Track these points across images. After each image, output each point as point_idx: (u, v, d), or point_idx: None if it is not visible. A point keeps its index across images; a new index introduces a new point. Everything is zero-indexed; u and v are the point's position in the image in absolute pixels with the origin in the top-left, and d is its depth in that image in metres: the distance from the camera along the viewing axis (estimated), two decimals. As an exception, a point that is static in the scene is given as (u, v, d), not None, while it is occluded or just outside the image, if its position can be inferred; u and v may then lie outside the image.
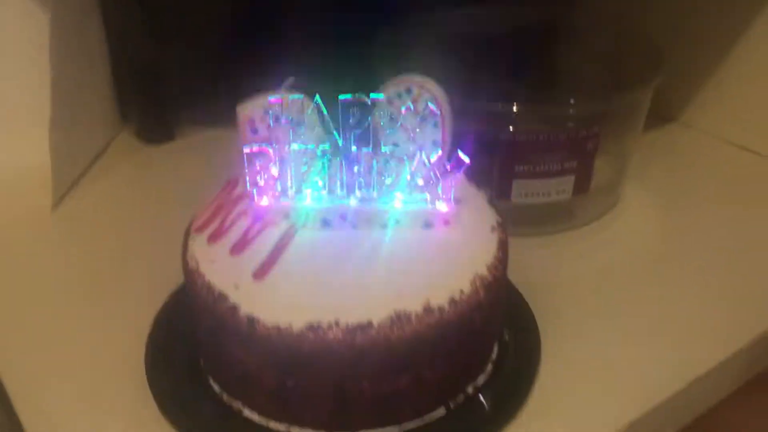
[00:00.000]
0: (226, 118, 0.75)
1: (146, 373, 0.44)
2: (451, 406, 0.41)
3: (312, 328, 0.36)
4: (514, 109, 0.51)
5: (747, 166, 0.69)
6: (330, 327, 0.36)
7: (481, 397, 0.42)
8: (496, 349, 0.45)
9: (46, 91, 0.57)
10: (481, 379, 0.43)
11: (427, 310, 0.37)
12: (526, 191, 0.55)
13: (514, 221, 0.53)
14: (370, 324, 0.36)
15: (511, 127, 0.53)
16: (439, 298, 0.37)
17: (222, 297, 0.38)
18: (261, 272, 0.39)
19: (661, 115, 0.75)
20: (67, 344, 0.47)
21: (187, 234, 0.43)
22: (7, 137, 0.64)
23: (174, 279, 0.48)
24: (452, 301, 0.37)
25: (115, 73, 0.69)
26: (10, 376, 0.44)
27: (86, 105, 0.65)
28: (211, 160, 0.68)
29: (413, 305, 0.37)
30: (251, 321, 0.37)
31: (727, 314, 0.50)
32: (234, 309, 0.37)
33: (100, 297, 0.52)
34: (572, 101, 0.53)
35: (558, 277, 0.54)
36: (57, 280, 0.54)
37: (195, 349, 0.44)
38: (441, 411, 0.41)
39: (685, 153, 0.72)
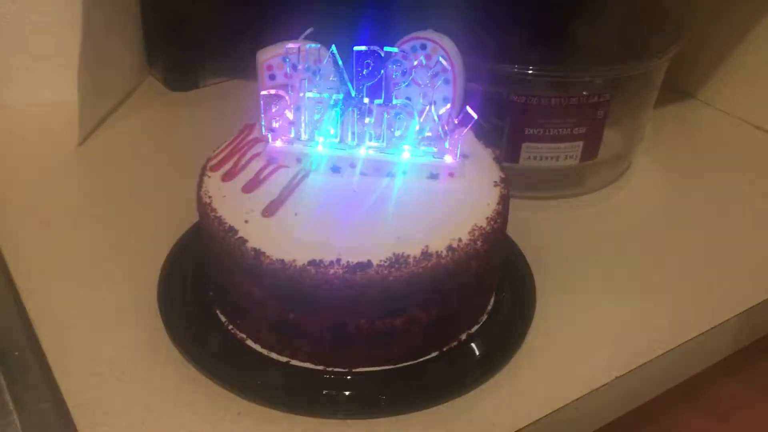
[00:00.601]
0: (247, 68, 0.77)
1: (158, 303, 0.46)
2: (444, 350, 0.43)
3: (314, 263, 0.38)
4: (529, 72, 0.52)
5: (760, 145, 0.69)
6: (331, 264, 0.38)
7: (473, 345, 0.44)
8: (492, 302, 0.47)
9: (78, 31, 0.59)
10: (474, 328, 0.45)
11: (425, 254, 0.39)
12: (534, 154, 0.56)
13: (522, 185, 0.55)
14: (369, 263, 0.38)
15: (522, 89, 0.54)
16: (438, 245, 0.39)
17: (232, 230, 0.40)
18: (270, 210, 0.41)
19: (678, 89, 0.76)
20: (85, 273, 0.50)
21: (202, 172, 0.45)
22: (38, 75, 0.66)
23: (190, 216, 0.51)
24: (450, 248, 0.39)
25: (144, 20, 0.71)
26: (32, 302, 0.47)
27: (115, 48, 0.67)
28: (232, 108, 0.70)
29: (412, 249, 0.39)
30: (257, 254, 0.39)
31: (722, 285, 0.51)
32: (242, 242, 0.39)
33: (118, 230, 0.54)
34: (584, 67, 0.54)
35: (560, 241, 0.55)
36: (79, 212, 0.56)
37: (205, 282, 0.46)
38: (434, 354, 0.43)
39: (698, 128, 0.72)
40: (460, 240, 0.40)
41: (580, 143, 0.56)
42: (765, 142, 0.70)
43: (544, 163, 0.56)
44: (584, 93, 0.54)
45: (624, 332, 0.47)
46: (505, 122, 0.55)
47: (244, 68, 0.74)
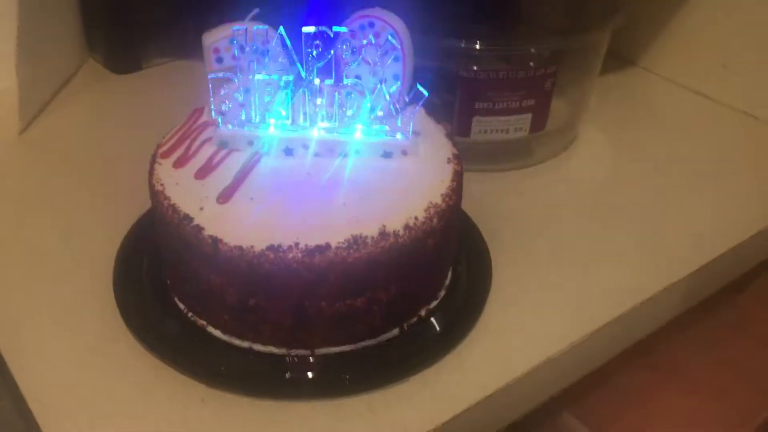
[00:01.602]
0: (192, 49, 0.75)
1: (114, 293, 0.45)
2: (405, 327, 0.44)
3: (273, 248, 0.38)
4: (477, 47, 0.53)
5: (699, 110, 0.72)
6: (290, 248, 0.38)
7: (433, 320, 0.45)
8: (450, 275, 0.47)
9: (12, 14, 0.57)
10: (433, 304, 0.46)
11: (383, 234, 0.39)
12: (485, 128, 0.56)
13: (473, 157, 0.55)
14: (328, 246, 0.38)
15: (471, 64, 0.54)
16: (395, 224, 0.39)
17: (187, 218, 0.39)
18: (225, 196, 0.40)
19: (619, 56, 0.77)
20: (36, 264, 0.49)
21: (153, 159, 0.44)
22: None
23: (140, 203, 0.50)
24: (407, 227, 0.40)
25: (82, 2, 0.69)
26: (-20, 293, 0.46)
27: (53, 32, 0.65)
28: (177, 89, 0.69)
29: (369, 230, 0.39)
30: (215, 241, 0.38)
31: (668, 248, 0.53)
32: (198, 230, 0.39)
33: (68, 218, 0.53)
34: (531, 40, 0.54)
35: (513, 211, 0.56)
36: (25, 202, 0.55)
37: (161, 270, 0.46)
38: (395, 332, 0.44)
39: (641, 96, 0.74)
40: (416, 218, 0.40)
41: (529, 115, 0.56)
42: (704, 106, 0.72)
43: (494, 136, 0.57)
44: (532, 65, 0.55)
45: (577, 299, 0.48)
46: (455, 97, 0.55)
47: (188, 48, 0.73)
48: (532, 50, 0.55)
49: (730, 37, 0.69)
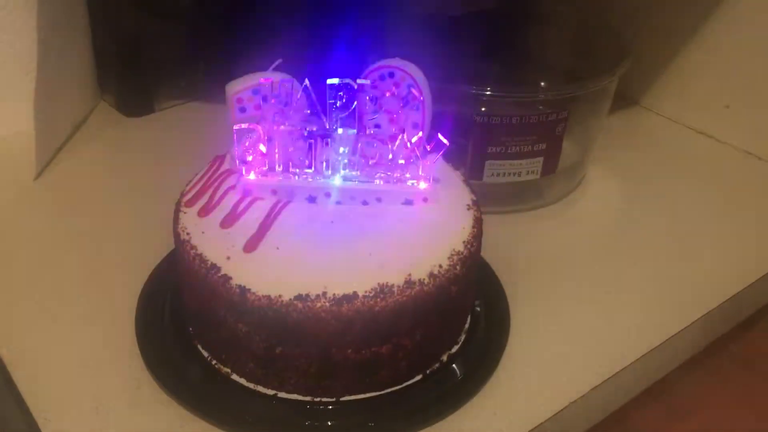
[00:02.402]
0: (205, 92, 0.77)
1: (137, 338, 0.46)
2: (428, 373, 0.44)
3: (300, 298, 0.38)
4: (487, 92, 0.54)
5: (703, 149, 0.73)
6: (318, 297, 0.38)
7: (455, 366, 0.45)
8: (468, 320, 0.48)
9: (29, 61, 0.58)
10: (454, 348, 0.46)
11: (408, 282, 0.39)
12: (497, 171, 0.57)
13: (486, 200, 0.56)
14: (355, 295, 0.39)
15: (484, 110, 0.55)
16: (420, 272, 0.40)
17: (214, 268, 0.40)
18: (251, 245, 0.41)
19: (624, 98, 0.79)
20: (57, 309, 0.49)
21: (177, 207, 0.45)
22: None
23: (160, 247, 0.51)
24: (431, 275, 0.40)
25: (95, 45, 0.70)
26: (5, 347, 0.46)
27: (68, 75, 0.66)
28: (190, 132, 0.70)
29: (395, 278, 0.39)
30: (243, 291, 0.39)
31: (682, 288, 0.54)
32: (226, 279, 0.39)
33: (87, 263, 0.53)
34: (543, 86, 0.56)
35: (526, 253, 0.57)
36: (43, 247, 0.55)
37: (184, 318, 0.46)
38: (418, 378, 0.44)
39: (646, 136, 0.75)
40: (440, 266, 0.41)
41: (541, 159, 0.57)
42: (708, 146, 0.73)
43: (506, 179, 0.58)
44: (543, 110, 0.56)
45: (594, 341, 0.49)
46: (469, 142, 0.56)
47: (200, 90, 0.74)
48: (542, 96, 0.57)
49: (733, 78, 0.71)
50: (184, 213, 0.44)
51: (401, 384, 0.43)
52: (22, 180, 0.61)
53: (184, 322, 0.46)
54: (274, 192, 0.44)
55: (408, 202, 0.45)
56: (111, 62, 0.71)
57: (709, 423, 0.58)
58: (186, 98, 0.74)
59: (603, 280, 0.54)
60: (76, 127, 0.69)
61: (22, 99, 0.64)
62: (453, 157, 0.50)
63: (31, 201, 0.60)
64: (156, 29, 0.70)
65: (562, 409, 0.44)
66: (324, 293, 0.38)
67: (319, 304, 0.38)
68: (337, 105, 0.43)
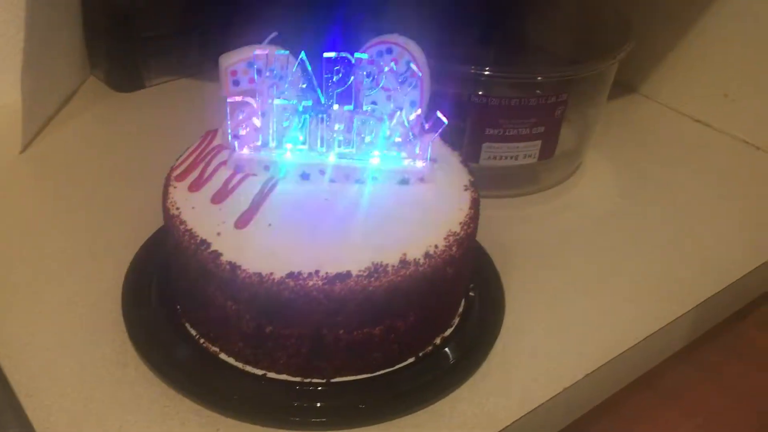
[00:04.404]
0: (197, 69, 0.75)
1: (124, 318, 0.44)
2: (420, 356, 0.43)
3: (293, 276, 0.37)
4: (487, 73, 0.53)
5: (700, 138, 0.72)
6: (310, 276, 0.37)
7: (447, 350, 0.44)
8: (463, 303, 0.47)
9: (18, 33, 0.57)
10: (448, 332, 0.45)
11: (404, 262, 0.39)
12: (494, 154, 0.56)
13: (482, 183, 0.55)
14: (348, 274, 0.38)
15: (482, 92, 0.54)
16: (415, 252, 0.39)
17: (204, 243, 0.39)
18: (243, 221, 0.40)
19: (623, 85, 0.78)
20: (43, 286, 0.48)
21: (167, 181, 0.44)
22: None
23: (148, 224, 0.49)
24: (427, 255, 0.39)
25: (85, 18, 0.68)
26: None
27: (57, 49, 0.64)
28: (181, 108, 0.69)
29: (390, 258, 0.38)
30: (233, 267, 0.38)
31: (677, 276, 0.53)
32: (216, 255, 0.38)
33: (74, 239, 0.52)
34: (542, 68, 0.55)
35: (522, 237, 0.56)
36: (29, 221, 0.54)
37: (172, 295, 0.45)
38: (410, 361, 0.43)
39: (644, 124, 0.74)
40: (436, 246, 0.40)
41: (539, 142, 0.57)
42: (706, 135, 0.73)
43: (503, 162, 0.57)
44: (542, 93, 0.55)
45: (589, 328, 0.48)
46: (466, 123, 0.55)
47: (192, 66, 0.73)
48: (541, 78, 0.56)
49: (732, 67, 0.70)
50: (174, 188, 0.43)
51: (393, 366, 0.43)
52: (8, 153, 0.60)
53: (173, 300, 0.45)
54: (267, 168, 0.43)
55: (404, 182, 0.44)
56: (101, 36, 0.69)
57: (695, 407, 0.58)
58: (177, 74, 0.73)
59: (598, 267, 0.54)
60: (65, 101, 0.67)
61: (9, 71, 0.63)
62: (450, 139, 0.49)
63: (17, 175, 0.59)
64: (147, 4, 0.68)
65: (554, 395, 0.43)
66: (317, 272, 0.37)
67: (311, 283, 0.37)
68: (334, 80, 0.42)
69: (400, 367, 0.43)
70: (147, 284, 0.47)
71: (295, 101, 0.42)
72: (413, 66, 0.43)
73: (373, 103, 0.44)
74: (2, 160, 0.59)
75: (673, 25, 0.73)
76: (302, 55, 0.41)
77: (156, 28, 0.70)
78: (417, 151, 0.43)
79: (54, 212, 0.55)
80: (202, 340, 0.43)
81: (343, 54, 0.41)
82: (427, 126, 0.43)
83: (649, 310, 0.50)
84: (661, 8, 0.73)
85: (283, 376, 0.41)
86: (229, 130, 0.43)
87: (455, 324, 0.46)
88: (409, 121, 0.43)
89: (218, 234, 0.39)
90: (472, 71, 0.53)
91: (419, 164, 0.43)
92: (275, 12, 0.67)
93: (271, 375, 0.41)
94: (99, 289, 0.47)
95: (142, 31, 0.69)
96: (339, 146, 0.43)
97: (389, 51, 0.44)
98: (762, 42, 0.67)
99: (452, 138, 0.50)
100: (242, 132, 0.43)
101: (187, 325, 0.44)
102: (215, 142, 0.46)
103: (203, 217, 0.40)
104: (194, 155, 0.45)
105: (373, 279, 0.38)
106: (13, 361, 0.42)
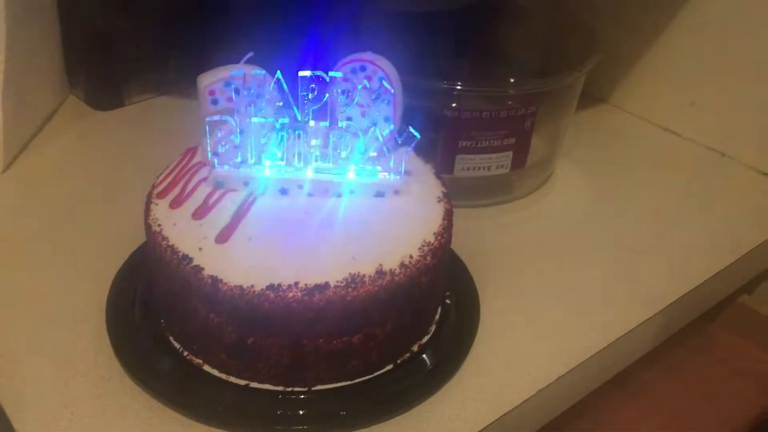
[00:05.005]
0: (175, 87, 0.76)
1: (108, 332, 0.45)
2: (398, 362, 0.45)
3: (272, 288, 0.39)
4: (458, 87, 0.55)
5: (668, 146, 0.74)
6: (290, 287, 0.39)
7: (425, 356, 0.46)
8: (439, 310, 0.49)
9: (-2, 54, 0.58)
10: (425, 339, 0.47)
11: (380, 273, 0.40)
12: (468, 165, 0.58)
13: (456, 194, 0.57)
14: (327, 285, 0.39)
15: (455, 104, 0.56)
16: (391, 263, 0.41)
17: (186, 258, 0.40)
18: (223, 236, 0.41)
19: (592, 95, 0.80)
20: (27, 303, 0.49)
21: (148, 199, 0.45)
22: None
23: (130, 240, 0.50)
24: (402, 265, 0.41)
25: (64, 37, 0.69)
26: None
27: (37, 69, 0.65)
28: (160, 126, 0.70)
29: (367, 268, 0.40)
30: (215, 281, 0.39)
31: (645, 280, 0.55)
32: (198, 270, 0.39)
33: (57, 256, 0.53)
34: (512, 82, 0.56)
35: (496, 246, 0.57)
36: (12, 241, 0.54)
37: (155, 310, 0.46)
38: (389, 368, 0.45)
39: (613, 133, 0.77)
40: (411, 257, 0.41)
41: (510, 153, 0.58)
42: (674, 143, 0.75)
43: (477, 173, 0.59)
44: (512, 104, 0.57)
45: (561, 332, 0.50)
46: (439, 136, 0.57)
47: (170, 85, 0.74)
48: (511, 91, 0.58)
49: (697, 77, 0.72)
50: (156, 204, 0.44)
51: (372, 373, 0.44)
52: (-10, 172, 0.61)
53: (156, 314, 0.46)
54: (246, 184, 0.45)
55: (379, 194, 0.45)
56: (80, 55, 0.70)
57: (661, 405, 0.60)
58: (156, 92, 0.74)
59: (570, 273, 0.55)
60: (45, 120, 0.68)
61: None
62: (424, 151, 0.50)
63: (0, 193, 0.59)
64: (125, 23, 0.69)
65: (529, 397, 0.45)
66: (296, 283, 0.39)
67: (291, 294, 0.39)
68: (309, 97, 0.43)
69: (379, 374, 0.44)
70: (130, 299, 0.48)
71: (272, 119, 0.44)
72: (386, 83, 0.44)
73: (348, 118, 0.45)
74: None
75: (639, 37, 0.75)
76: (278, 74, 0.43)
77: (134, 48, 0.71)
78: (391, 164, 0.45)
79: (37, 230, 0.56)
80: (185, 353, 0.44)
81: (318, 72, 0.43)
82: (400, 140, 0.45)
83: (619, 313, 0.52)
84: (627, 21, 0.75)
85: (266, 386, 0.43)
86: (209, 148, 0.44)
87: (432, 331, 0.47)
88: (383, 136, 0.44)
89: (200, 249, 0.40)
90: (444, 86, 0.54)
91: (394, 177, 0.45)
92: (250, 31, 0.69)
93: (254, 385, 0.43)
94: (83, 304, 0.48)
95: (121, 50, 0.70)
96: (316, 161, 0.45)
97: (362, 68, 0.46)
98: (725, 52, 0.70)
99: (426, 150, 0.52)
100: (221, 149, 0.44)
101: (171, 338, 0.45)
102: (195, 159, 0.47)
103: (185, 233, 0.42)
104: (175, 172, 0.46)
105: (350, 289, 0.39)
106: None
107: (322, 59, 0.46)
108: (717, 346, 0.68)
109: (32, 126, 0.66)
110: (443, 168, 0.58)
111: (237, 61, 0.45)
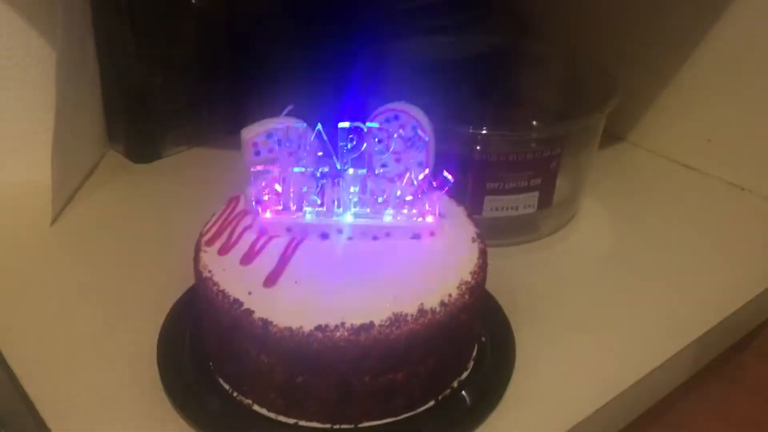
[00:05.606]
0: (208, 138, 0.79)
1: (160, 375, 0.47)
2: (439, 398, 0.46)
3: (320, 328, 0.41)
4: (484, 132, 0.57)
5: (688, 182, 0.76)
6: (337, 328, 0.41)
7: (464, 392, 0.47)
8: (476, 348, 0.50)
9: (46, 114, 0.61)
10: (464, 375, 0.48)
11: (421, 311, 0.42)
12: (496, 206, 0.60)
13: (486, 233, 0.59)
14: (371, 324, 0.41)
15: (481, 148, 0.58)
16: (431, 301, 0.42)
17: (237, 303, 0.42)
18: (271, 280, 0.43)
19: (611, 134, 0.82)
20: (80, 350, 0.51)
21: (197, 247, 0.47)
22: (6, 155, 0.67)
23: (176, 286, 0.53)
24: (442, 304, 0.43)
25: (104, 96, 0.73)
26: (33, 388, 0.48)
27: (81, 126, 0.68)
28: (195, 177, 0.73)
29: (409, 307, 0.42)
30: (265, 323, 0.41)
31: (674, 313, 0.56)
32: (248, 313, 0.42)
33: (107, 304, 0.55)
34: (535, 125, 0.59)
35: (526, 283, 0.59)
36: (64, 291, 0.57)
37: (204, 353, 0.48)
38: (431, 404, 0.46)
39: (634, 170, 0.78)
40: (450, 295, 0.43)
41: (537, 193, 0.60)
42: (692, 178, 0.77)
43: (505, 213, 0.61)
44: (537, 147, 0.59)
45: (595, 365, 0.51)
46: (468, 178, 0.59)
47: (203, 136, 0.77)
48: (535, 134, 0.60)
49: (714, 113, 0.74)
50: (205, 252, 0.46)
51: (415, 410, 0.45)
52: (39, 226, 0.63)
53: (205, 358, 0.48)
54: (289, 230, 0.47)
55: (416, 236, 0.47)
56: (119, 113, 0.73)
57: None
58: (189, 144, 0.77)
59: (600, 307, 0.57)
60: (88, 174, 0.71)
61: (35, 150, 0.67)
62: (454, 193, 0.53)
63: (49, 246, 0.62)
64: (161, 80, 0.73)
65: (568, 431, 0.46)
66: (342, 323, 0.41)
67: (338, 334, 0.41)
68: (348, 147, 0.46)
69: (421, 410, 0.46)
70: (180, 343, 0.50)
71: (312, 168, 0.46)
72: (419, 131, 0.47)
73: (384, 165, 0.48)
74: (34, 233, 0.63)
75: (655, 78, 0.77)
76: (318, 126, 0.45)
77: (170, 102, 0.74)
78: (426, 207, 0.47)
79: (86, 280, 0.58)
80: (235, 394, 0.46)
81: (356, 123, 0.45)
82: (434, 184, 0.47)
83: (651, 346, 0.53)
84: (643, 63, 0.78)
85: (314, 423, 0.44)
86: (253, 197, 0.47)
87: (470, 368, 0.49)
88: (417, 181, 0.47)
89: (249, 293, 0.43)
90: (471, 131, 0.57)
91: (429, 219, 0.47)
92: (277, 84, 0.72)
93: (303, 423, 0.44)
94: (134, 351, 0.50)
95: (157, 105, 0.73)
96: (354, 207, 0.47)
97: (396, 117, 0.48)
98: (738, 88, 0.72)
99: (456, 193, 0.54)
100: (265, 198, 0.47)
101: (220, 380, 0.47)
102: (239, 208, 0.50)
103: (234, 278, 0.44)
104: (221, 220, 0.49)
105: (394, 328, 0.41)
106: (58, 422, 0.45)
107: (356, 110, 0.49)
108: (749, 375, 0.69)
109: (77, 180, 0.69)
110: (473, 209, 0.60)
111: (272, 114, 0.48)
